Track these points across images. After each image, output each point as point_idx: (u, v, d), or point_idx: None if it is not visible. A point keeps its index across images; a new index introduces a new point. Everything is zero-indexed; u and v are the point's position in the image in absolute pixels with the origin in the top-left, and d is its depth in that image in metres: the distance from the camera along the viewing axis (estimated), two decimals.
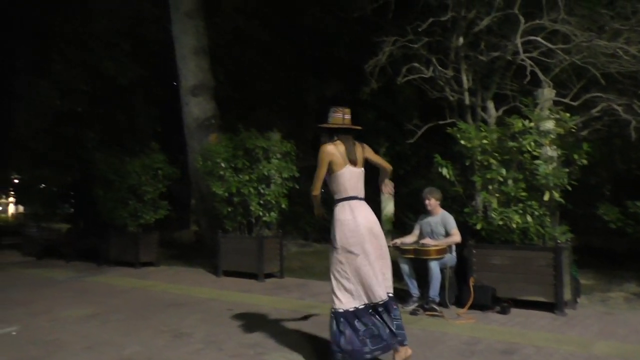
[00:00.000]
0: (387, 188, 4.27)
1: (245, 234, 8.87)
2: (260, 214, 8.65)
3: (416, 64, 7.59)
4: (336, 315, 3.74)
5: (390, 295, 3.82)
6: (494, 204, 5.84)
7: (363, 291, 3.75)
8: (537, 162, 5.65)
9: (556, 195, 5.58)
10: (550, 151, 5.74)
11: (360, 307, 3.74)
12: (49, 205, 13.98)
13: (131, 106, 14.23)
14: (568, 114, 5.72)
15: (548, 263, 5.49)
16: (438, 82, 7.60)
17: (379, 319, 3.74)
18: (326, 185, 4.01)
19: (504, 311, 5.52)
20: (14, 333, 5.19)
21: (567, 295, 5.52)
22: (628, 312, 5.56)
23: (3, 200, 30.43)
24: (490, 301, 5.63)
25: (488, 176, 5.87)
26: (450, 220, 6.00)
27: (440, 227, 6.02)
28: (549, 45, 6.59)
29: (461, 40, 7.44)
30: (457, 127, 6.14)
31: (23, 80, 15.35)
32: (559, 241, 5.57)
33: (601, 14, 6.94)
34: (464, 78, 7.45)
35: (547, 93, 6.07)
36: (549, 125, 5.72)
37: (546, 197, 5.56)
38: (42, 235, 13.39)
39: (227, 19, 13.04)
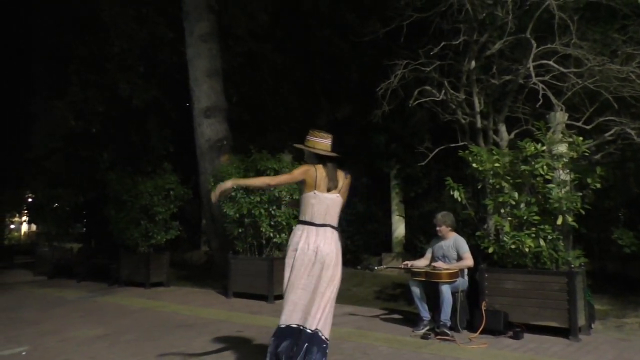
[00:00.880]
0: None
1: (256, 255, 8.85)
2: (271, 235, 8.65)
3: (428, 87, 7.61)
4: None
5: (322, 335, 3.80)
6: (507, 228, 5.78)
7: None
8: (549, 185, 5.62)
9: (569, 219, 5.53)
10: (563, 175, 5.71)
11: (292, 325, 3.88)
12: (62, 225, 14.05)
13: (145, 127, 14.37)
14: (581, 138, 5.70)
15: (561, 288, 5.41)
16: (450, 105, 7.61)
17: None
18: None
19: (516, 336, 5.43)
20: (23, 353, 5.19)
21: (581, 320, 5.44)
22: None
23: (16, 219, 30.65)
24: (502, 326, 5.54)
25: (500, 199, 5.83)
26: (463, 244, 5.96)
27: (453, 250, 5.99)
28: (561, 68, 6.60)
29: (473, 63, 7.46)
30: (469, 150, 6.14)
31: (39, 102, 15.65)
32: (572, 265, 5.50)
33: (613, 38, 6.96)
34: (476, 101, 7.46)
35: (560, 116, 6.06)
36: (562, 148, 5.70)
37: (559, 221, 5.51)
38: (54, 254, 13.44)
39: (240, 42, 13.19)
